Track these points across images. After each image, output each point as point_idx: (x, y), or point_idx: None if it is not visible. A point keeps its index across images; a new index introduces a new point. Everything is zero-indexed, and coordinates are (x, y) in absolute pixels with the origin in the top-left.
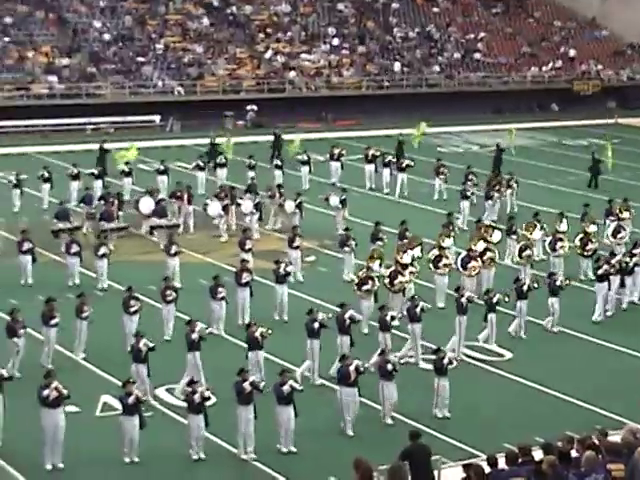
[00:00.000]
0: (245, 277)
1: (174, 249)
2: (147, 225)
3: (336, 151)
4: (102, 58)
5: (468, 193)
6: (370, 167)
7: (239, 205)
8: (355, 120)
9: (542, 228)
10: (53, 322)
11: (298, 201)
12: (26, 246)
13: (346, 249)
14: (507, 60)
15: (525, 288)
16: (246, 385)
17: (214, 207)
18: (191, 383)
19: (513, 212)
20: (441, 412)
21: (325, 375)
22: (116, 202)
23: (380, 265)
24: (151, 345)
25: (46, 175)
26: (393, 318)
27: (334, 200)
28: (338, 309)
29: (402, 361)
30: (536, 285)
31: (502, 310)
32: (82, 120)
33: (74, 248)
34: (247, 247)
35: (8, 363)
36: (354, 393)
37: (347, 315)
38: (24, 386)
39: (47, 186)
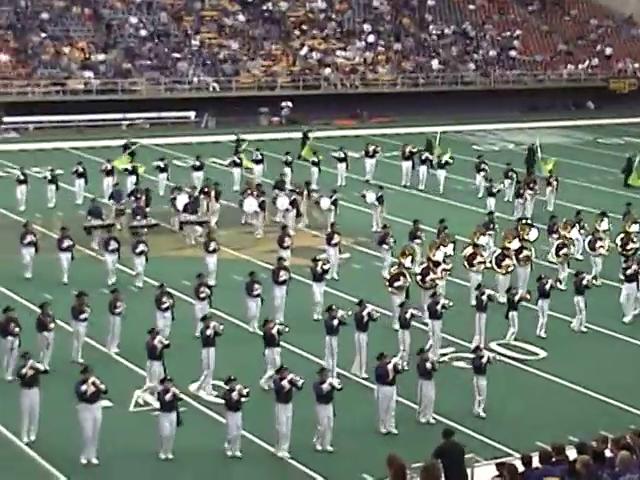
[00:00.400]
0: (282, 275)
1: (213, 246)
2: (177, 221)
3: (371, 148)
4: (138, 54)
5: (494, 190)
6: (407, 164)
7: (275, 202)
8: (390, 117)
9: (582, 227)
10: (83, 317)
11: (334, 198)
12: (66, 244)
13: (385, 247)
14: (543, 58)
15: (547, 287)
16: (285, 383)
17: (250, 203)
18: (229, 381)
19: (549, 210)
20: (482, 411)
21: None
22: (144, 198)
23: (412, 262)
24: (166, 342)
25: (80, 170)
26: (413, 316)
27: (371, 197)
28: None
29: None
30: (558, 284)
31: (532, 307)
32: (117, 116)
33: (112, 245)
34: (286, 244)
35: (39, 357)
36: (392, 392)
37: (365, 312)
38: (56, 380)
39: (81, 181)
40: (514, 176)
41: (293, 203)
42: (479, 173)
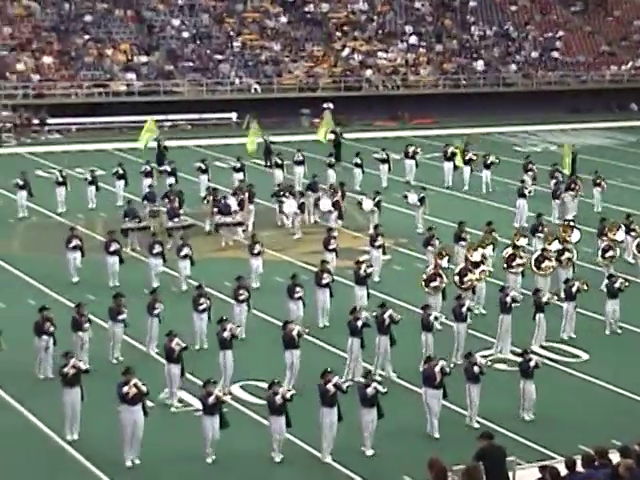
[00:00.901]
0: (325, 278)
1: (257, 248)
2: (210, 222)
3: (411, 149)
4: (180, 56)
5: (525, 191)
6: (449, 165)
7: (317, 203)
8: (431, 119)
9: (632, 230)
10: (120, 318)
11: (377, 200)
12: (113, 247)
13: (430, 248)
14: (586, 59)
15: (574, 289)
16: (330, 387)
17: (290, 205)
18: (272, 384)
19: (597, 212)
20: (528, 415)
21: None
22: (177, 200)
23: (448, 262)
24: (184, 345)
25: (120, 172)
26: (436, 318)
27: (413, 198)
28: (378, 309)
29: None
30: (586, 287)
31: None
32: (159, 117)
33: (156, 249)
34: (331, 247)
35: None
36: (439, 395)
37: (387, 315)
38: (96, 379)
39: (121, 183)
40: (559, 177)
41: (335, 204)
42: (527, 173)
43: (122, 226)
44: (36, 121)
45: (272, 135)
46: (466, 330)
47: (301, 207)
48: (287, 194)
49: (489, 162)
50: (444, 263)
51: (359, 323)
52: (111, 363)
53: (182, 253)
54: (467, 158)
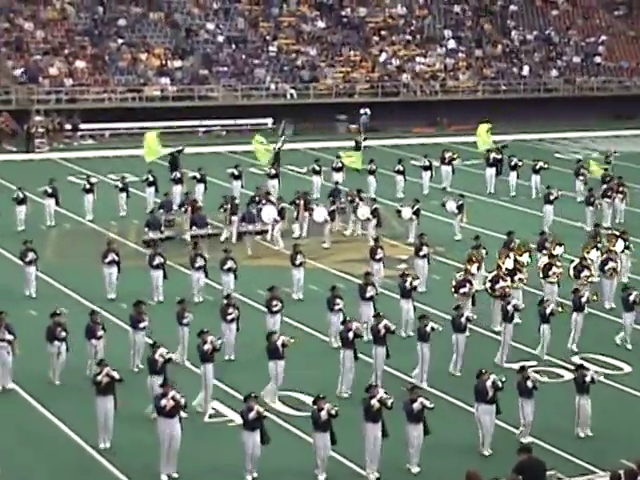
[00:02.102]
0: (369, 291)
1: (299, 259)
2: (228, 231)
3: (447, 155)
4: (214, 60)
5: (552, 197)
6: (491, 171)
7: (355, 211)
8: (470, 125)
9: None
10: (142, 325)
11: (416, 208)
12: (157, 261)
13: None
14: (629, 64)
15: (584, 300)
16: (374, 402)
17: (319, 213)
18: (317, 399)
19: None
20: (583, 431)
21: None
22: (190, 209)
23: (478, 269)
24: (168, 356)
25: (150, 179)
26: (433, 329)
27: (451, 206)
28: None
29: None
30: (595, 298)
31: (615, 320)
32: (194, 123)
33: (199, 262)
34: (378, 256)
35: (86, 365)
36: (491, 410)
37: (382, 325)
38: (129, 390)
39: (152, 190)
40: (586, 175)
41: (374, 212)
42: (578, 178)
43: (144, 237)
44: (69, 126)
45: (308, 141)
46: (465, 341)
47: (331, 214)
48: (264, 201)
49: (538, 167)
50: (474, 269)
51: (350, 335)
52: (132, 371)
53: (226, 267)
54: (512, 164)
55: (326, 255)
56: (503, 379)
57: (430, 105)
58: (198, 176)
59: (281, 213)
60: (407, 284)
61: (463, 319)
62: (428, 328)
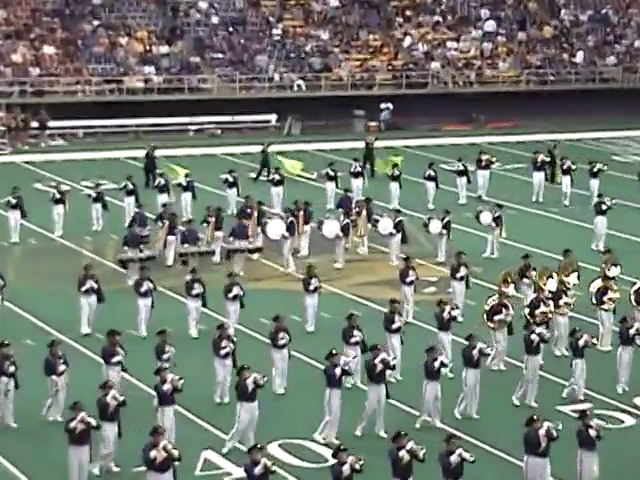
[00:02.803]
0: (397, 321)
1: (314, 284)
2: (217, 247)
3: (484, 158)
4: (208, 46)
5: (604, 207)
6: (539, 175)
7: (376, 224)
8: (513, 122)
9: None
10: (115, 360)
11: (445, 220)
12: (145, 287)
13: (526, 281)
14: None
15: (632, 332)
16: (403, 453)
17: (330, 227)
18: (338, 451)
19: None
20: None
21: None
22: (167, 223)
23: (516, 290)
24: (121, 399)
25: (130, 187)
26: (443, 365)
27: (486, 218)
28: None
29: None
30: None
31: None
32: (183, 120)
33: (196, 289)
34: (409, 279)
35: (45, 404)
36: (544, 464)
37: (378, 360)
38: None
39: (131, 199)
40: None
41: (398, 225)
42: None
43: (120, 256)
44: (35, 124)
45: (319, 142)
46: (478, 379)
47: (344, 229)
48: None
49: (597, 170)
50: (510, 291)
51: (337, 371)
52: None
53: (231, 294)
54: (565, 167)
55: (339, 277)
56: (559, 427)
57: (464, 99)
58: (184, 183)
59: (290, 228)
60: (445, 314)
61: (475, 351)
62: (437, 363)
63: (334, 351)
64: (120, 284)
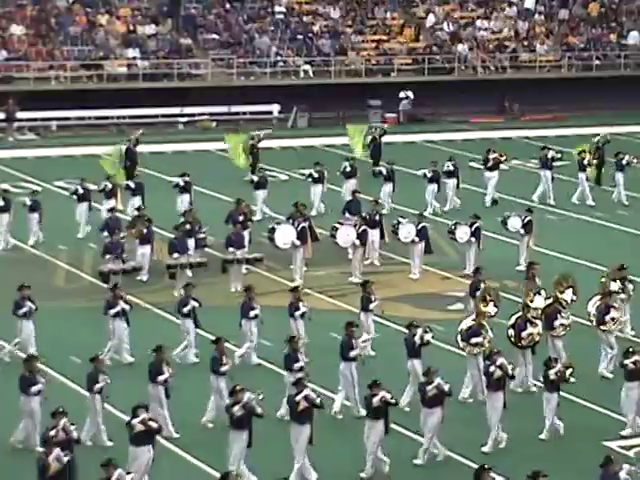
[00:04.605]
0: (356, 348)
1: (302, 309)
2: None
3: (491, 157)
4: (201, 25)
5: None
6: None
7: (396, 230)
8: (552, 113)
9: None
10: (34, 390)
11: (475, 226)
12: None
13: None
14: None
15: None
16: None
17: (345, 234)
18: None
19: None
20: None
21: None
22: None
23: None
24: (76, 437)
25: (109, 187)
26: (442, 390)
27: (515, 223)
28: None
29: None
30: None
31: None
32: (173, 110)
33: (191, 304)
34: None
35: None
36: None
37: (377, 399)
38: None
39: (112, 202)
40: None
41: (421, 232)
42: None
43: (101, 268)
44: (1, 116)
45: (328, 136)
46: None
47: (361, 236)
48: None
49: (625, 162)
50: (491, 310)
51: (303, 404)
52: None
53: (251, 314)
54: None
55: (354, 291)
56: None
57: (496, 86)
58: (182, 183)
59: (301, 235)
60: (417, 338)
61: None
62: (430, 387)
63: (307, 377)
64: (97, 301)
